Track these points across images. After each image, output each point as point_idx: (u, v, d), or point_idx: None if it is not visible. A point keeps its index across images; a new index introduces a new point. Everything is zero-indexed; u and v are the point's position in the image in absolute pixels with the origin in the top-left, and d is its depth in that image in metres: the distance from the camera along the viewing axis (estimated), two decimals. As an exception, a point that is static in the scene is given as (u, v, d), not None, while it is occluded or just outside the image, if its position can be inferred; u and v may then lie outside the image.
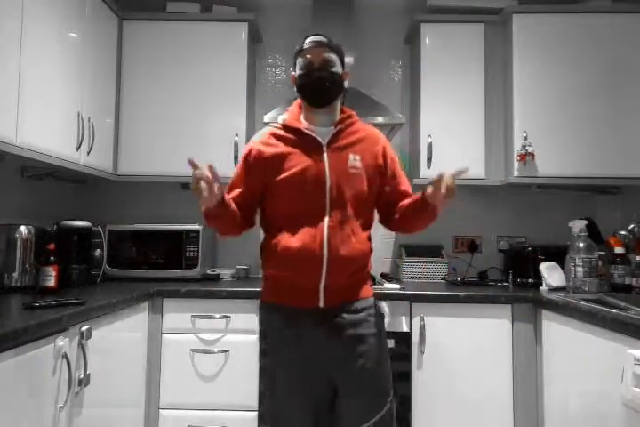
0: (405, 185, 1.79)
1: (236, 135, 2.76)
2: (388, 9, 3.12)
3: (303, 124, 1.70)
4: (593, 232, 2.46)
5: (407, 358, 2.30)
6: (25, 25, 1.91)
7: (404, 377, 2.29)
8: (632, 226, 2.57)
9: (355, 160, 1.66)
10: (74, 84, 2.30)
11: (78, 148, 2.32)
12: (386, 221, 1.82)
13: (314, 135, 1.67)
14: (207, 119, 2.77)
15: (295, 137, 1.68)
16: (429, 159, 2.71)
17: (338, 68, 1.67)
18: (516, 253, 2.81)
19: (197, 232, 2.69)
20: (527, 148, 2.59)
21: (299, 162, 1.64)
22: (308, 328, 1.62)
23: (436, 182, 1.53)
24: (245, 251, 2.98)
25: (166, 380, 2.34)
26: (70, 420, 1.66)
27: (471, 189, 2.96)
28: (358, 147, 1.70)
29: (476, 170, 2.72)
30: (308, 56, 1.65)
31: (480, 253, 3.02)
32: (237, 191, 1.70)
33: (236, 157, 2.73)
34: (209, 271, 2.78)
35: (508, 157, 2.73)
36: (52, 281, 2.10)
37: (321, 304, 1.62)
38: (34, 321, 1.46)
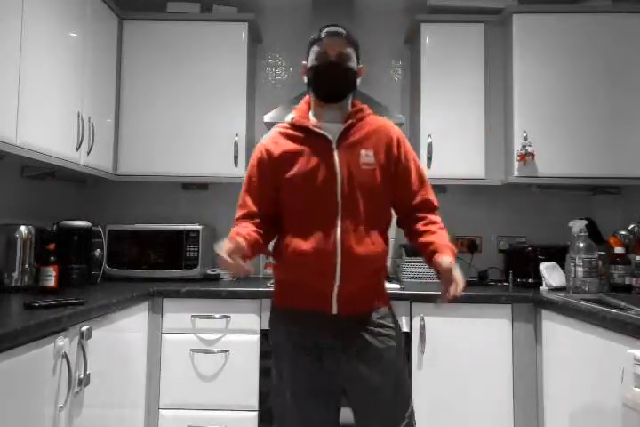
0: (417, 185, 1.64)
1: (236, 135, 2.75)
2: (388, 9, 3.11)
3: (311, 121, 1.62)
4: (593, 232, 2.46)
5: (407, 358, 2.29)
6: (25, 25, 1.91)
7: (404, 377, 2.28)
8: (632, 226, 2.56)
9: (367, 156, 1.56)
10: (74, 84, 2.30)
11: (78, 148, 2.32)
12: (401, 225, 1.71)
13: (322, 133, 1.58)
14: (207, 119, 2.77)
15: (303, 135, 1.60)
16: (429, 159, 2.71)
17: (353, 63, 1.58)
18: (516, 253, 2.80)
19: (197, 232, 2.69)
20: (527, 148, 2.59)
21: (307, 161, 1.55)
22: (320, 339, 1.55)
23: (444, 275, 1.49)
24: (245, 251, 2.98)
25: (166, 380, 2.34)
26: (70, 420, 1.66)
27: (471, 189, 2.96)
28: (370, 141, 1.59)
29: (476, 170, 2.72)
30: (324, 46, 1.56)
31: (480, 253, 3.01)
32: (254, 199, 1.60)
33: (236, 157, 2.73)
34: (209, 271, 2.77)
35: (507, 157, 2.72)
36: (52, 281, 2.10)
37: (334, 311, 1.54)
38: (34, 321, 1.46)
